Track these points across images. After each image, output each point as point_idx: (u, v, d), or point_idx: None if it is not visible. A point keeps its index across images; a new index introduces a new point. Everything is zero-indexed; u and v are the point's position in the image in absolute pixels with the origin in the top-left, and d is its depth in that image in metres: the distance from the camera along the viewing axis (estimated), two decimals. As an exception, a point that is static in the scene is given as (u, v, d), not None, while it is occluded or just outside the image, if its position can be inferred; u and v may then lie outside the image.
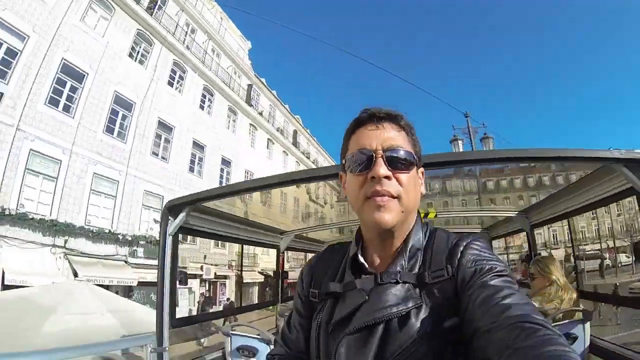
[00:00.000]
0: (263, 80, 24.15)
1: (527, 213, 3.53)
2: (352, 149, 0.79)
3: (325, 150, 36.08)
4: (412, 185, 0.77)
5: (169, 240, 2.48)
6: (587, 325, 2.33)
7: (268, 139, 23.84)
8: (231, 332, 2.94)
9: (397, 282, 0.73)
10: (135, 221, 14.88)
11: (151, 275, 14.59)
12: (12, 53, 11.11)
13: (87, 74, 13.00)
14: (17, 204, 11.02)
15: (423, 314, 0.70)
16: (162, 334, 2.56)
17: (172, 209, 2.44)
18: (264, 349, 2.72)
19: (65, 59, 12.26)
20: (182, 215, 2.42)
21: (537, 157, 1.79)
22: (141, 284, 14.06)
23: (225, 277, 20.21)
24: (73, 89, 12.71)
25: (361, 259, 0.80)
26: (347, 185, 0.81)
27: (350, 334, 0.72)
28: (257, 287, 22.60)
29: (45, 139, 11.84)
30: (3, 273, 10.30)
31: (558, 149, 1.69)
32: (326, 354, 0.76)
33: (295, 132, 28.49)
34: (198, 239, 17.40)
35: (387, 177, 0.73)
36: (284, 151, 25.95)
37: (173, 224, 2.46)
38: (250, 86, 22.32)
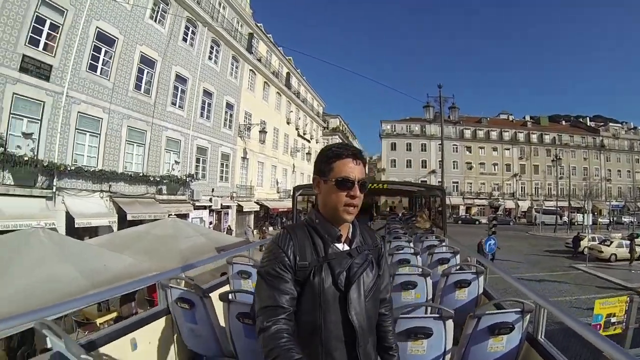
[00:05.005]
0: (261, 25, 24.82)
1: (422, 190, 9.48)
2: (340, 172, 1.21)
3: (313, 88, 37.55)
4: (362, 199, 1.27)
5: (296, 199, 6.13)
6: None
7: (265, 82, 25.22)
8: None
9: (360, 252, 1.26)
10: (160, 164, 17.19)
11: (175, 209, 17.37)
12: (54, 27, 11.94)
13: (117, 39, 14.01)
14: (72, 160, 12.87)
15: (374, 268, 1.28)
16: None
17: (296, 189, 6.16)
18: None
19: (99, 28, 13.19)
20: (301, 191, 6.24)
21: (416, 184, 6.95)
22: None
23: (228, 207, 22.67)
24: (106, 54, 13.83)
25: (340, 233, 1.26)
26: (329, 192, 1.23)
27: (354, 281, 1.19)
28: (252, 215, 25.42)
29: (89, 102, 13.38)
30: (73, 218, 12.21)
31: (421, 183, 7.74)
32: (337, 297, 1.17)
33: (288, 74, 29.67)
34: (207, 175, 20.35)
35: (358, 197, 1.23)
36: (277, 92, 27.50)
37: (297, 193, 6.09)
38: (251, 34, 23.04)
